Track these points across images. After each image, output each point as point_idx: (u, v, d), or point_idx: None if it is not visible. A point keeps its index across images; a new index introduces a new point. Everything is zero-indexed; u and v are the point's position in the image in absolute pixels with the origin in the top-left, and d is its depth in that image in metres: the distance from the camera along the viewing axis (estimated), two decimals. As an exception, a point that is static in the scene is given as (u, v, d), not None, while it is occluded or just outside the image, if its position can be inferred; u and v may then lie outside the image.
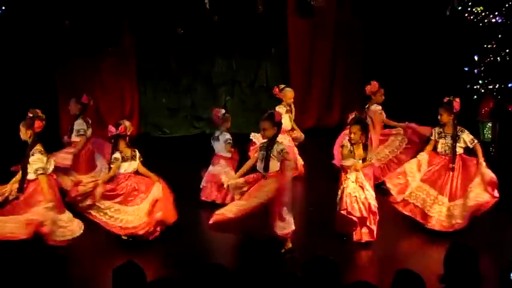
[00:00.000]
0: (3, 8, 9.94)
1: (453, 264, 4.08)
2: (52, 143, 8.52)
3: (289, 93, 10.44)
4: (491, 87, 10.47)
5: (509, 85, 10.34)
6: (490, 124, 10.53)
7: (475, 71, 10.59)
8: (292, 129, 10.41)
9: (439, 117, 7.93)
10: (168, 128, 14.31)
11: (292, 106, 10.48)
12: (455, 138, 7.90)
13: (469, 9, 10.37)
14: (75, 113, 9.31)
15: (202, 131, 14.05)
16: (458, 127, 7.95)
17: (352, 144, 7.56)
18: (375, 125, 9.59)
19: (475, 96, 10.61)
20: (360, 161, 7.53)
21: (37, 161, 7.04)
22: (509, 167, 9.81)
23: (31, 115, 7.14)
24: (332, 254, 6.09)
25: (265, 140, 7.38)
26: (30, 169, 7.05)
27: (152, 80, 14.21)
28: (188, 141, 13.67)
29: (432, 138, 8.11)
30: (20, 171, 7.15)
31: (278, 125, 7.32)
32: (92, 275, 7.04)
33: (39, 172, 7.04)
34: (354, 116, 7.92)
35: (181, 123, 14.35)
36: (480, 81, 10.54)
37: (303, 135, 10.45)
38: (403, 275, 3.97)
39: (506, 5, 10.19)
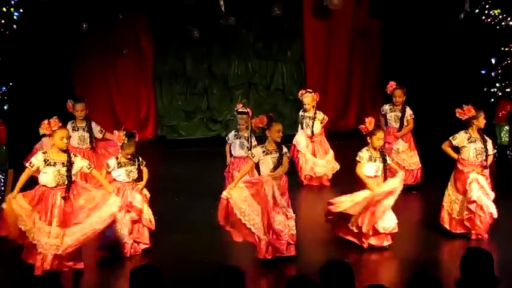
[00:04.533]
0: (21, 10, 10.01)
1: (469, 268, 4.07)
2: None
3: (305, 99, 10.43)
4: (508, 90, 10.41)
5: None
6: (507, 127, 10.47)
7: (492, 73, 10.53)
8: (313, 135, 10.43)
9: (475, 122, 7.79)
10: (184, 130, 14.36)
11: (311, 111, 10.46)
12: (484, 139, 7.84)
13: (486, 11, 10.33)
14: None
15: (218, 134, 14.08)
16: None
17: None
18: None
19: (492, 99, 10.55)
20: None
21: (80, 162, 6.99)
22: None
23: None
24: (347, 258, 6.12)
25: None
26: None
27: (168, 82, 14.29)
28: (204, 144, 13.70)
29: (456, 144, 7.92)
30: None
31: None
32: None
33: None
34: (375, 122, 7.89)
35: (197, 125, 14.40)
36: (497, 84, 10.49)
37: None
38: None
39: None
